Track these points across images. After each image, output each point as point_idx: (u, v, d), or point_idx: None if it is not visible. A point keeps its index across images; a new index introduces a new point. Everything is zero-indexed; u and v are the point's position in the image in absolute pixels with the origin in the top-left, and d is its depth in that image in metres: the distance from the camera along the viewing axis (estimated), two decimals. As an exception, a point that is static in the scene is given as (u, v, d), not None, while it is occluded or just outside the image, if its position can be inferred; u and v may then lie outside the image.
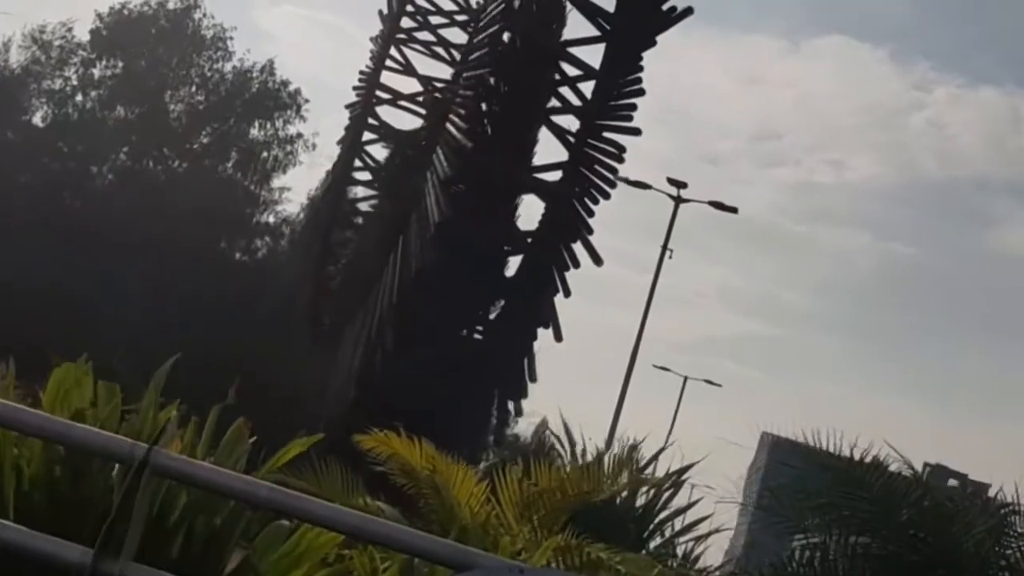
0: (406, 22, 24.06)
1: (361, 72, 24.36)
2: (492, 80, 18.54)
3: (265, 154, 59.70)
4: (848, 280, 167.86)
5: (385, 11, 24.14)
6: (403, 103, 23.78)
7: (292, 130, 59.93)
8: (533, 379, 17.48)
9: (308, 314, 20.94)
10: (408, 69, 23.82)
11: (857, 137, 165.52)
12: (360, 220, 23.49)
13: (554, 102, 18.13)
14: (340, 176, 22.96)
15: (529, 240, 18.03)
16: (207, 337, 53.48)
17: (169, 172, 58.92)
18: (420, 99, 23.72)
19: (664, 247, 26.04)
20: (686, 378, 55.99)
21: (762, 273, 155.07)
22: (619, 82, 17.46)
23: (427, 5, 23.64)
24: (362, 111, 23.43)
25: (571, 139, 17.80)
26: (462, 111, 16.92)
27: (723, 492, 16.07)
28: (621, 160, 16.99)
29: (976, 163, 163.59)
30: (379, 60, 23.59)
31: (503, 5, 16.55)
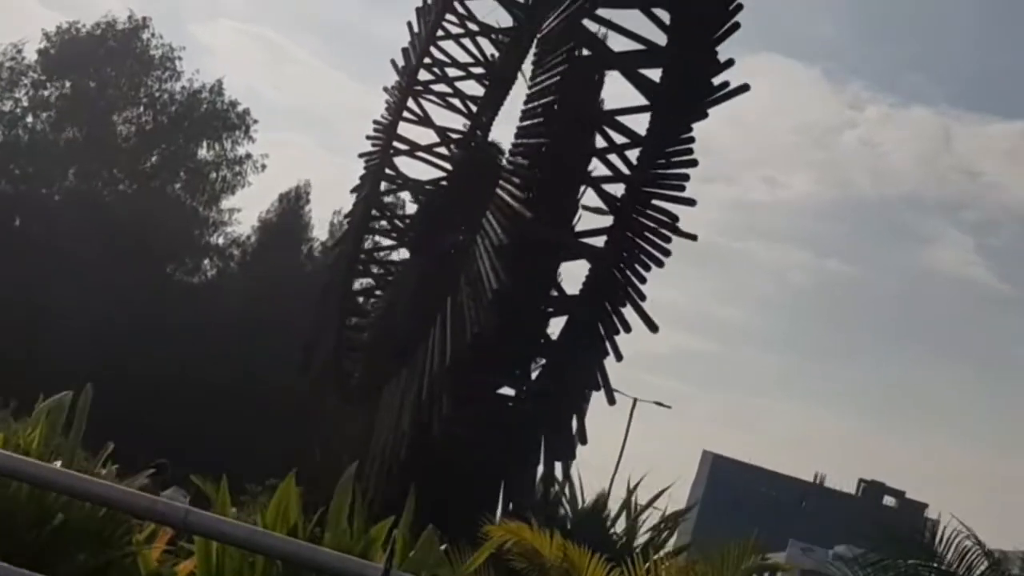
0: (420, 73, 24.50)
1: (375, 122, 24.69)
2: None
3: (214, 175, 59.65)
4: (785, 296, 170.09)
5: (401, 63, 24.51)
6: (421, 153, 24.15)
7: (241, 151, 59.98)
8: (583, 441, 17.90)
9: (331, 366, 21.14)
10: (425, 120, 24.19)
11: (792, 155, 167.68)
12: (377, 269, 23.67)
13: (602, 168, 18.55)
14: (358, 226, 23.19)
15: (574, 303, 18.43)
16: (159, 354, 53.40)
17: (118, 193, 58.62)
18: (438, 149, 24.12)
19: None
20: (635, 400, 56.73)
21: (699, 289, 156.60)
22: (667, 151, 17.92)
23: (443, 58, 24.04)
24: (380, 161, 23.74)
25: (618, 205, 18.23)
26: (516, 179, 17.25)
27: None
28: (676, 231, 17.42)
29: (908, 181, 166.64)
30: (396, 111, 23.92)
31: (558, 77, 16.95)
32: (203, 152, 59.43)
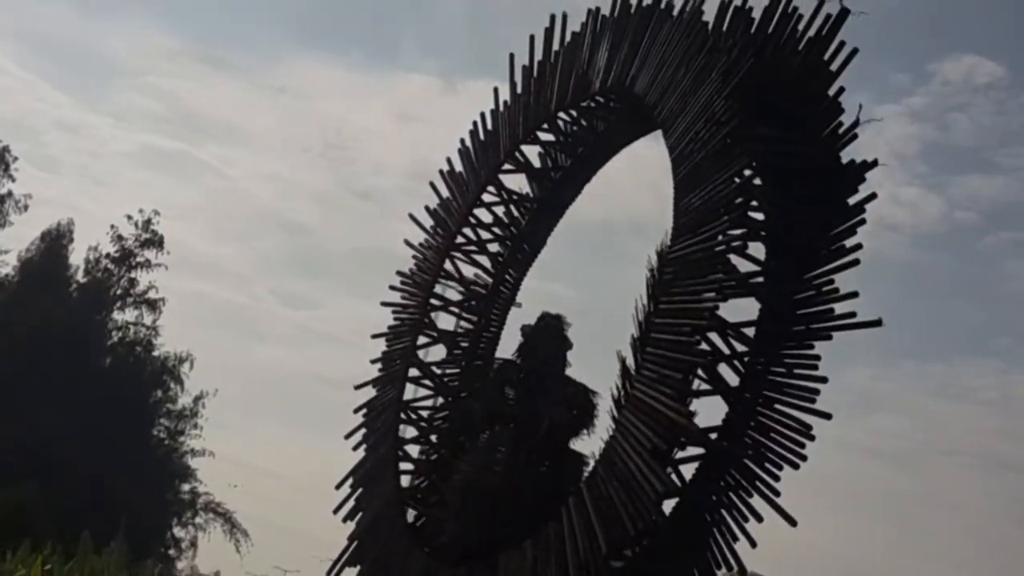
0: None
1: (400, 274, 26.22)
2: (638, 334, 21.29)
3: (-28, 215, 57.26)
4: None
5: (428, 222, 26.19)
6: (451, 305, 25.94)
7: (2, 190, 57.91)
8: (722, 626, 20.30)
9: (394, 513, 22.76)
10: (456, 278, 25.97)
11: (514, 178, 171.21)
12: (414, 416, 25.03)
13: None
14: (400, 377, 24.62)
15: (689, 488, 20.60)
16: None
17: None
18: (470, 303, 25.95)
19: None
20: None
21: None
22: (785, 363, 20.52)
23: (472, 221, 25.88)
24: (418, 316, 25.31)
25: (735, 403, 20.64)
26: (667, 390, 19.26)
27: None
28: (811, 437, 19.96)
29: (632, 207, 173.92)
30: (434, 272, 25.56)
31: (712, 304, 19.23)
32: (-41, 191, 57.27)
